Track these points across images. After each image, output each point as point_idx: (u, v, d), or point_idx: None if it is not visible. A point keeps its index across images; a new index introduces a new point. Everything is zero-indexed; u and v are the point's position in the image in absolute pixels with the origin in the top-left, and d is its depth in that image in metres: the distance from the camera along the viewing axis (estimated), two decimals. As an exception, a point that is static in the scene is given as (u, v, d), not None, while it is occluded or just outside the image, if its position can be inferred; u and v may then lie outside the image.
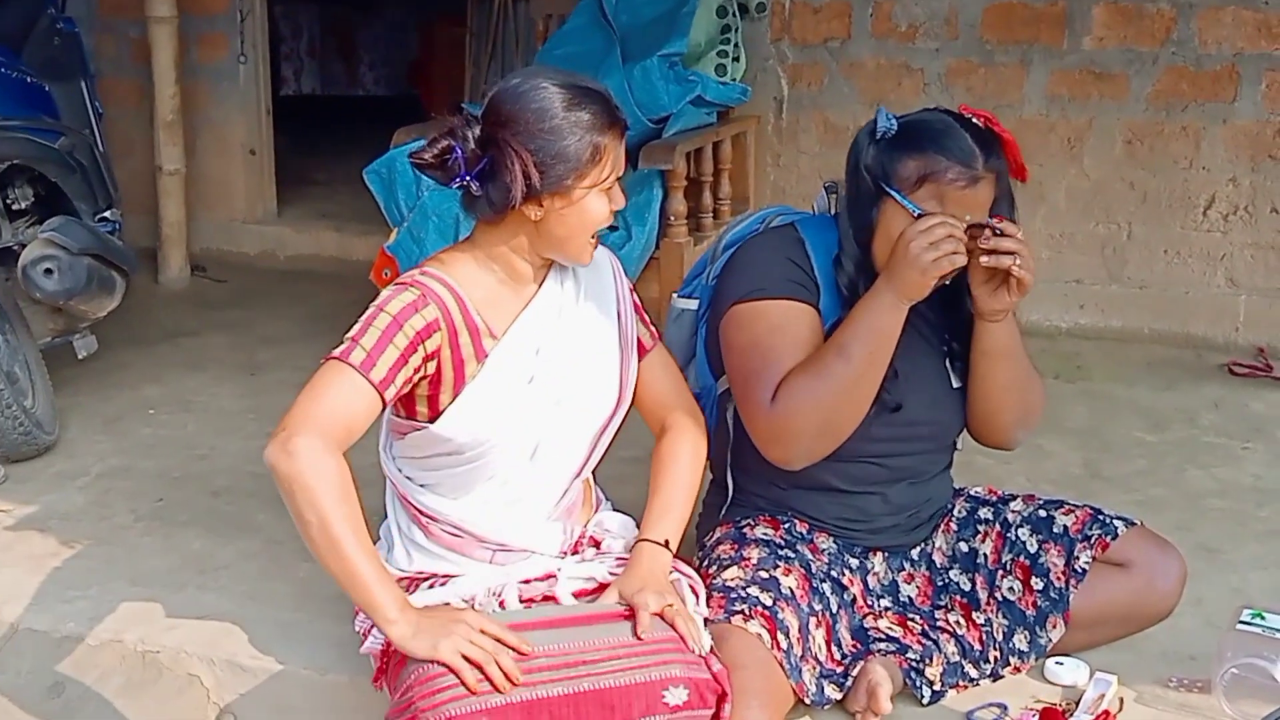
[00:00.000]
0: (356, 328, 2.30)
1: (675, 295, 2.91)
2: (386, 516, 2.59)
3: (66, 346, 4.08)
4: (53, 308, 3.94)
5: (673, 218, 4.31)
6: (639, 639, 2.21)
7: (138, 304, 4.28)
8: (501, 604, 2.35)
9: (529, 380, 2.37)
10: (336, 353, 2.27)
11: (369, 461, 2.55)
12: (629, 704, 2.16)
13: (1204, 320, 4.85)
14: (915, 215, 2.44)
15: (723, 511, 2.77)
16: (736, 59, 4.90)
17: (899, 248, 2.43)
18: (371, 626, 2.40)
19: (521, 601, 2.35)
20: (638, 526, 2.54)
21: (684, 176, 4.35)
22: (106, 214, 4.20)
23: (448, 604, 2.35)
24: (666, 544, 2.46)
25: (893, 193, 2.47)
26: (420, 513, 2.47)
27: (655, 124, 4.50)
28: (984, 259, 2.45)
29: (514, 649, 2.16)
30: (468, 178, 2.31)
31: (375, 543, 2.56)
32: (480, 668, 2.13)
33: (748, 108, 4.98)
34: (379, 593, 2.21)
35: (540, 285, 2.44)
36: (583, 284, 2.47)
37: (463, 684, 2.12)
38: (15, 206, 3.97)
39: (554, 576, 2.41)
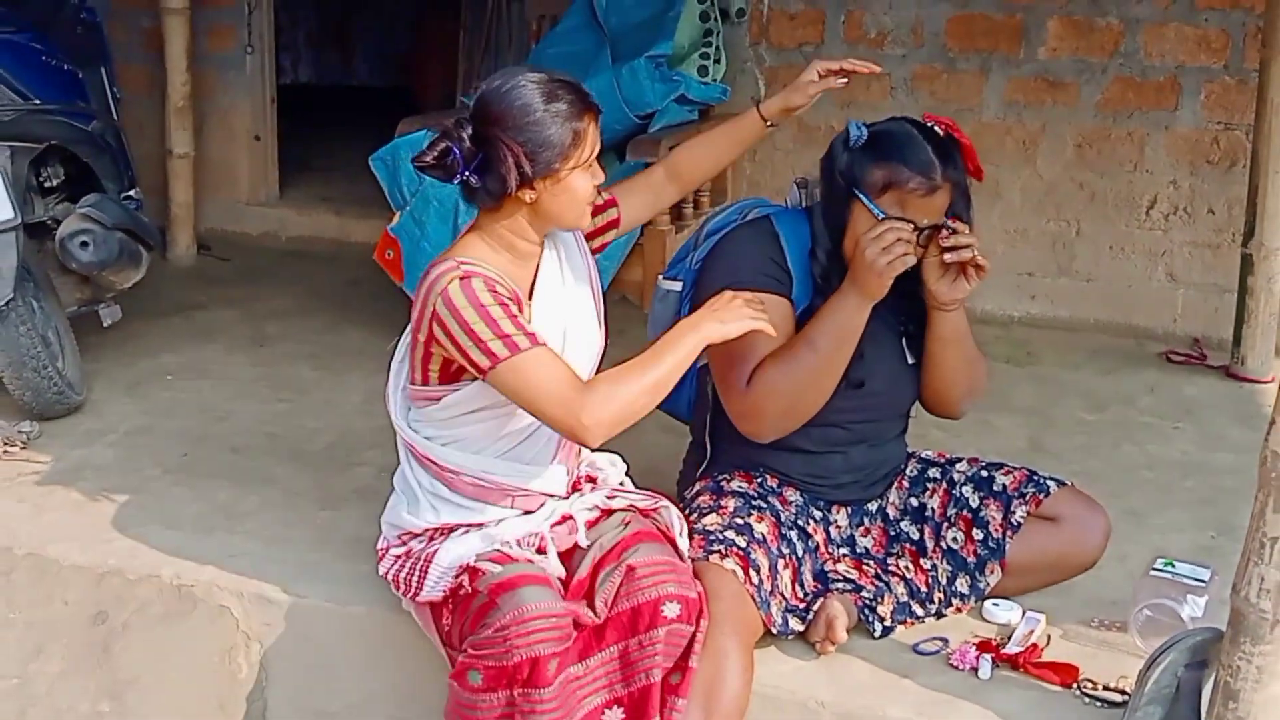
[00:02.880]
0: (480, 337, 2.49)
1: (660, 277, 3.17)
2: (399, 466, 2.83)
3: (90, 315, 4.27)
4: (81, 278, 4.15)
5: (656, 207, 4.57)
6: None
7: (149, 279, 4.43)
8: (541, 550, 2.63)
9: (550, 340, 2.63)
10: (503, 357, 2.49)
11: (378, 425, 2.80)
12: (639, 620, 2.52)
13: (1145, 312, 5.06)
14: (879, 217, 2.73)
15: (701, 468, 3.06)
16: (718, 61, 5.15)
17: (857, 255, 2.73)
18: (422, 579, 2.65)
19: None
20: (624, 461, 2.89)
21: (667, 169, 4.62)
22: (130, 193, 4.39)
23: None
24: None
25: (861, 196, 2.76)
26: (444, 469, 2.71)
27: (641, 120, 4.77)
28: (947, 256, 2.75)
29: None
30: (466, 173, 2.59)
31: (391, 493, 2.86)
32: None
33: (727, 106, 5.16)
34: (675, 343, 2.56)
35: (540, 258, 2.72)
36: (561, 251, 2.76)
37: None
38: (48, 184, 4.16)
39: (570, 518, 2.69)
